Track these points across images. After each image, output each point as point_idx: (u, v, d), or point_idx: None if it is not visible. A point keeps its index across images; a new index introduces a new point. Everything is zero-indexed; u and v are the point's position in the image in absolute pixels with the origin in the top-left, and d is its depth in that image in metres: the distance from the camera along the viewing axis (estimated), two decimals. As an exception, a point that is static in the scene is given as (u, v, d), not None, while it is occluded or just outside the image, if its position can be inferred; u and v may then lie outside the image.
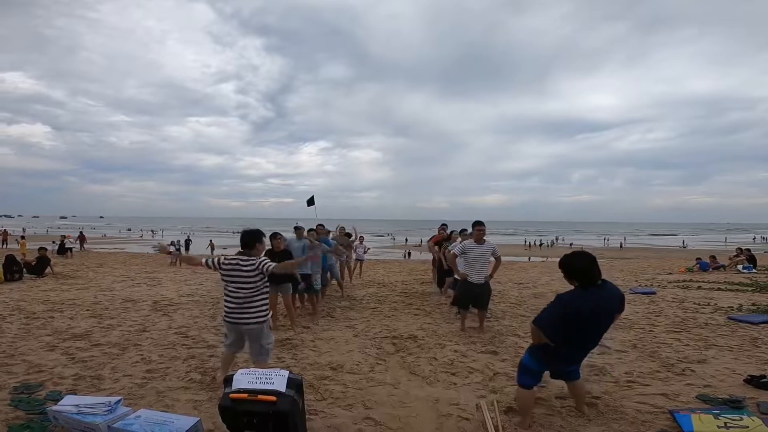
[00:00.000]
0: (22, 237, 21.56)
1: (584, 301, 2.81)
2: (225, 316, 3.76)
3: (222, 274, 3.74)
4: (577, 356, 3.11)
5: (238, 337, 3.84)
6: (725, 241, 46.71)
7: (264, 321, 3.72)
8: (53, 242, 21.25)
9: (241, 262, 3.67)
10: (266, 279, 3.73)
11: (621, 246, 46.51)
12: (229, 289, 3.70)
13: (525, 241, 49.12)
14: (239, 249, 3.78)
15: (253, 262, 3.65)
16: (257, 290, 3.68)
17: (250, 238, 3.76)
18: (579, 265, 2.87)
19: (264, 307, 3.73)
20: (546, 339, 2.92)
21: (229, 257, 3.77)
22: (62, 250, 20.03)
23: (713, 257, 15.60)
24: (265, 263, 3.65)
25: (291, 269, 3.91)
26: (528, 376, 3.11)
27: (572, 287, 2.92)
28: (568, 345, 2.94)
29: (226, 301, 3.73)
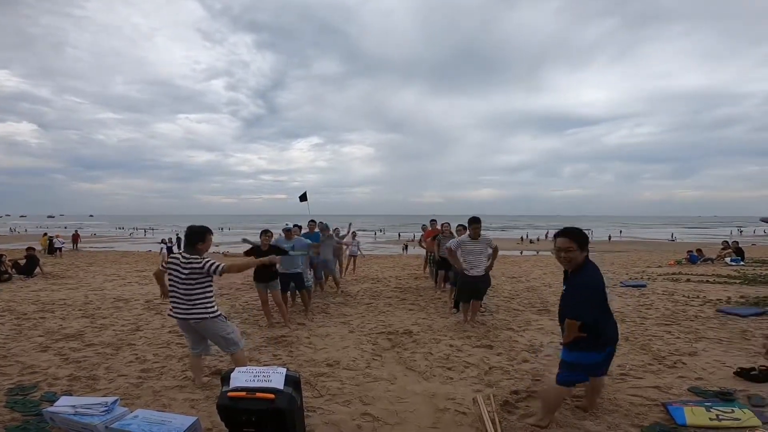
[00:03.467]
0: (45, 234, 22.30)
1: (599, 275, 2.89)
2: (172, 311, 3.65)
3: (168, 274, 3.67)
4: (613, 325, 2.99)
5: (194, 335, 3.73)
6: (731, 235, 47.14)
7: (213, 314, 3.59)
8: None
9: (181, 260, 3.58)
10: (210, 278, 3.60)
11: (609, 239, 47.04)
12: (172, 287, 3.62)
13: (527, 236, 48.93)
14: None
15: (197, 262, 3.52)
16: (199, 287, 3.56)
17: (191, 238, 3.65)
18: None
19: (210, 302, 3.60)
20: (579, 332, 2.86)
21: (173, 256, 3.69)
22: (51, 249, 19.86)
23: (699, 251, 15.79)
24: (212, 264, 3.52)
25: (244, 269, 3.84)
26: (572, 371, 2.92)
27: (561, 272, 3.05)
28: (601, 316, 2.87)
29: (171, 298, 3.64)
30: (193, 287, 3.54)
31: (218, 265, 3.53)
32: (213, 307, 3.62)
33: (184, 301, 3.57)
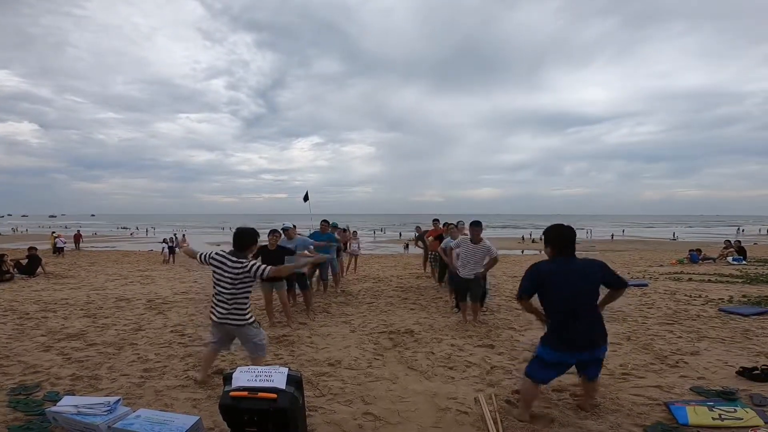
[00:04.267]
0: (53, 233, 22.96)
1: (555, 266, 3.02)
2: (212, 314, 3.72)
3: (213, 271, 3.69)
4: (579, 330, 2.94)
5: (224, 335, 3.80)
6: (736, 233, 47.01)
7: (250, 320, 3.66)
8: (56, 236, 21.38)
9: (229, 262, 3.61)
10: (254, 281, 3.65)
11: (612, 237, 47.14)
12: (217, 287, 3.65)
13: (530, 235, 48.66)
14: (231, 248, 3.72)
15: (243, 264, 3.57)
16: (243, 291, 3.62)
17: (244, 241, 3.68)
18: (559, 234, 3.10)
19: (248, 307, 3.68)
20: (537, 311, 3.19)
21: (219, 253, 3.71)
22: (56, 248, 20.12)
23: (699, 250, 15.70)
24: (259, 268, 3.56)
25: (287, 272, 3.87)
26: (540, 367, 3.06)
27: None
28: (560, 314, 2.98)
29: (214, 299, 3.70)
30: (238, 291, 3.59)
31: (264, 269, 3.56)
32: (250, 313, 3.69)
33: (227, 303, 3.60)
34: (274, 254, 5.93)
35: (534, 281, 3.08)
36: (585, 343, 2.99)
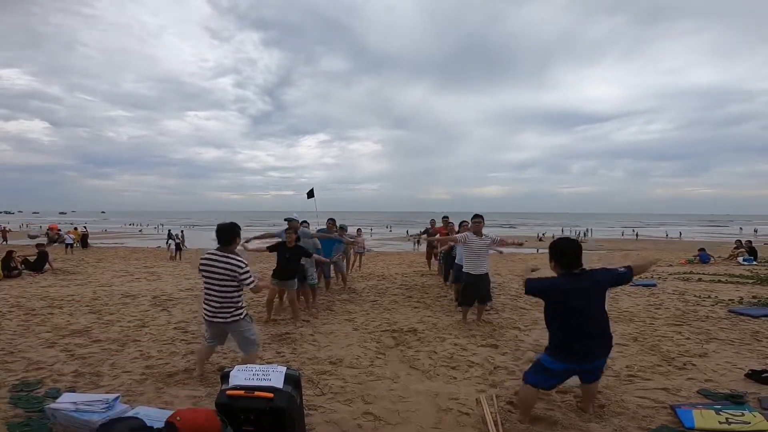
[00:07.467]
0: (75, 228, 24.07)
1: (567, 284, 2.93)
2: (204, 314, 3.74)
3: (200, 271, 3.71)
4: (588, 345, 2.90)
5: (218, 333, 3.85)
6: (741, 232, 46.54)
7: (241, 316, 3.68)
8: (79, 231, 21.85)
9: (220, 260, 3.61)
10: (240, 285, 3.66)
11: (636, 236, 47.29)
12: (207, 285, 3.67)
13: (544, 234, 48.28)
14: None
15: (236, 266, 3.56)
16: (235, 287, 3.62)
17: (227, 235, 3.68)
18: (563, 249, 3.01)
19: (240, 302, 3.70)
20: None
21: (207, 253, 3.73)
22: (85, 243, 20.64)
23: (702, 249, 15.25)
24: (247, 279, 3.57)
25: (258, 291, 3.97)
26: (544, 375, 2.99)
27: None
28: (567, 331, 2.90)
29: (205, 298, 3.71)
30: (229, 288, 3.60)
31: (252, 281, 3.60)
32: (242, 308, 3.71)
33: (217, 301, 3.62)
34: (291, 252, 5.96)
35: (545, 290, 3.00)
36: (597, 354, 2.97)
